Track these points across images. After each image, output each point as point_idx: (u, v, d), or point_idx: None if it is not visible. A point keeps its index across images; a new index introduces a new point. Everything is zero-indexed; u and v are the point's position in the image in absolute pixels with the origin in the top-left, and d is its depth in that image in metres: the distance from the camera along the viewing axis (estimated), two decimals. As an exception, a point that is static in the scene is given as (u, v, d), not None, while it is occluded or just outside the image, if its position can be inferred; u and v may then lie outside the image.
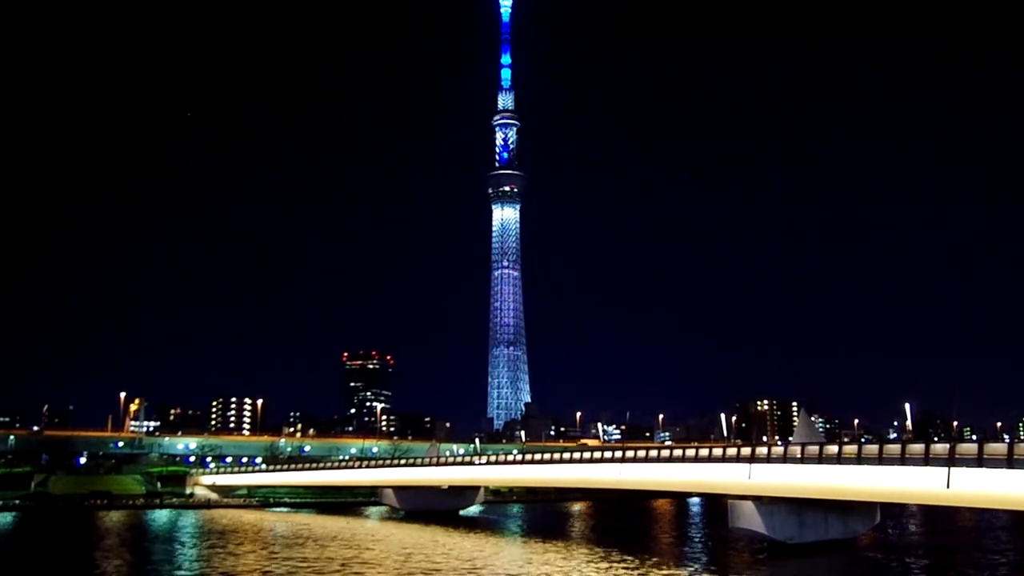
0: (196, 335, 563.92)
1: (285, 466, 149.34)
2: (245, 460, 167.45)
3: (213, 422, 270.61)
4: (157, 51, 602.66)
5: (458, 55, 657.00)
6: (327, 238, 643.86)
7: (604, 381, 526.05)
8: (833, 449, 64.06)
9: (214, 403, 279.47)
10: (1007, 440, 57.74)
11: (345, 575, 57.72)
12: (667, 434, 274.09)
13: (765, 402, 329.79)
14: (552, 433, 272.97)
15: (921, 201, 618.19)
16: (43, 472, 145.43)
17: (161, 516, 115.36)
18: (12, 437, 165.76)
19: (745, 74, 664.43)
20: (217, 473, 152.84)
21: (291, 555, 67.53)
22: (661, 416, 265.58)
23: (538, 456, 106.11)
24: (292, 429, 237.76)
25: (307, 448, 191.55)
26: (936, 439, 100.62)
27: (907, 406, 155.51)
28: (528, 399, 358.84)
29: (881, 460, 58.54)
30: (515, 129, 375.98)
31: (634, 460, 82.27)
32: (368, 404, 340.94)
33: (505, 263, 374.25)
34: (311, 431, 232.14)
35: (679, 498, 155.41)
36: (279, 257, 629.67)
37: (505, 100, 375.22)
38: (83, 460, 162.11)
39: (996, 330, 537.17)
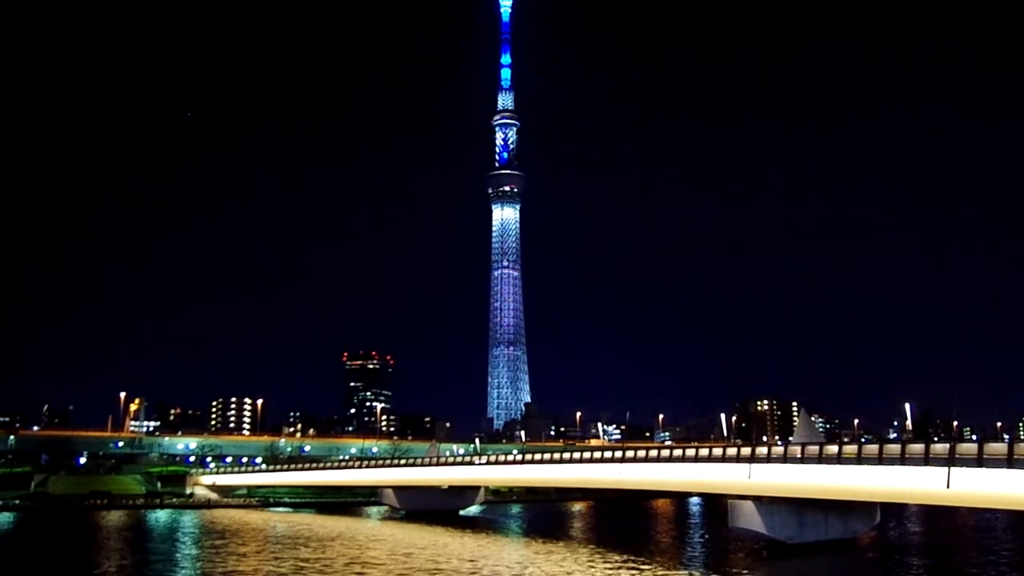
0: (196, 335, 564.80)
1: (285, 466, 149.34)
2: (245, 460, 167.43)
3: (213, 422, 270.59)
4: (157, 51, 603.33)
5: (458, 55, 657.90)
6: (327, 238, 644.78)
7: (604, 381, 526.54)
8: (833, 449, 64.07)
9: (214, 403, 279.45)
10: (1007, 440, 57.73)
11: (348, 575, 57.75)
12: (667, 434, 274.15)
13: (765, 402, 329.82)
14: (552, 433, 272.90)
15: (921, 201, 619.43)
16: (43, 472, 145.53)
17: (161, 516, 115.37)
18: (12, 437, 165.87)
19: (745, 74, 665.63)
20: (217, 473, 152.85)
21: (292, 555, 67.54)
22: (661, 416, 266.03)
23: (538, 456, 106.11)
24: (292, 429, 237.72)
25: (307, 448, 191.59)
26: (936, 439, 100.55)
27: (907, 406, 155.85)
28: (528, 399, 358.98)
29: (881, 460, 58.56)
30: (515, 129, 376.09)
31: (634, 460, 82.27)
32: (368, 404, 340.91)
33: (505, 263, 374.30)
34: (311, 431, 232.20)
35: (679, 498, 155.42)
36: (279, 257, 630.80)
37: (505, 100, 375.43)
38: (83, 460, 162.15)
39: (996, 330, 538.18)
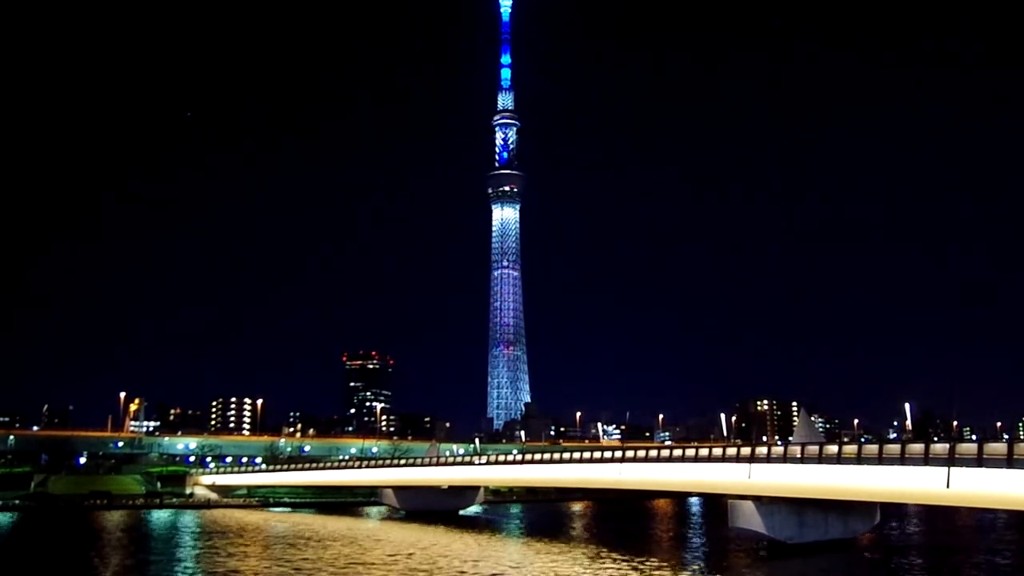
0: (196, 335, 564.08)
1: (285, 466, 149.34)
2: (245, 460, 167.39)
3: (213, 422, 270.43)
4: (157, 51, 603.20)
5: (458, 55, 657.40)
6: (327, 238, 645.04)
7: (604, 381, 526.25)
8: (833, 449, 64.07)
9: (214, 403, 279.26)
10: (1007, 440, 57.78)
11: (349, 575, 57.75)
12: (667, 434, 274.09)
13: (765, 402, 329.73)
14: (552, 433, 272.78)
15: (921, 201, 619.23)
16: (43, 472, 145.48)
17: (161, 516, 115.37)
18: (12, 437, 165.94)
19: (745, 74, 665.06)
20: (217, 473, 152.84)
21: (292, 555, 67.55)
22: (661, 416, 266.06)
23: (538, 456, 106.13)
24: (292, 429, 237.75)
25: (307, 448, 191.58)
26: (936, 439, 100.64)
27: (907, 406, 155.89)
28: (528, 399, 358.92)
29: (881, 460, 58.56)
30: (515, 129, 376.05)
31: (634, 460, 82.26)
32: (368, 404, 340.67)
33: (505, 263, 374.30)
34: (311, 431, 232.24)
35: (679, 498, 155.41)
36: (279, 257, 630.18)
37: (505, 100, 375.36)
38: (83, 460, 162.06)
39: (996, 330, 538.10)
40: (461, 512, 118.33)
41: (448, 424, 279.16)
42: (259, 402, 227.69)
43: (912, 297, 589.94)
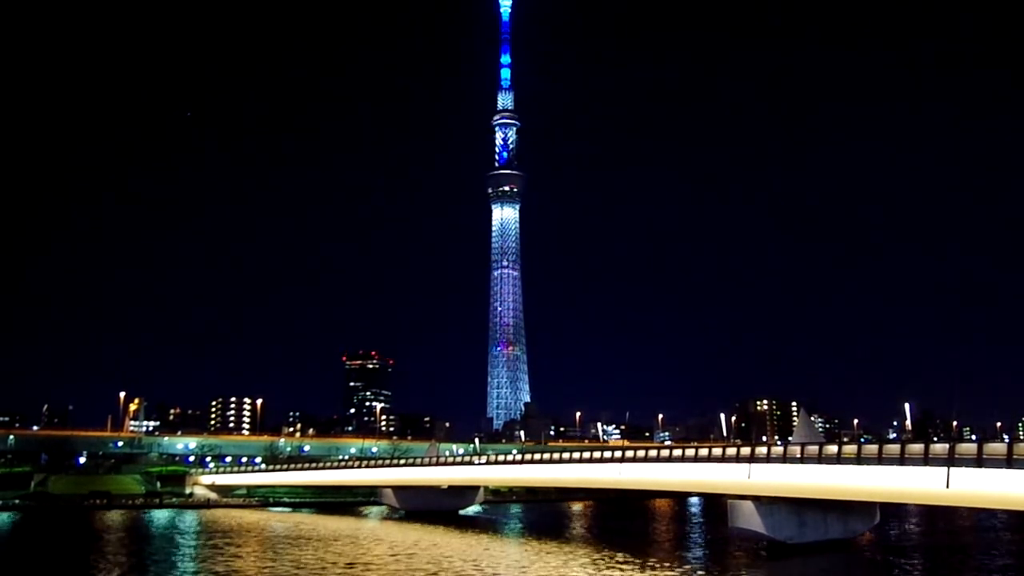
0: (196, 335, 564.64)
1: (285, 466, 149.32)
2: (245, 460, 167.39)
3: (213, 422, 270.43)
4: (157, 51, 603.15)
5: (458, 55, 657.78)
6: (327, 238, 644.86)
7: (604, 381, 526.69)
8: (833, 449, 64.07)
9: (214, 403, 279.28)
10: (1007, 440, 57.80)
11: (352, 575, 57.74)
12: (667, 434, 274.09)
13: (765, 402, 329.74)
14: (552, 433, 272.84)
15: (921, 201, 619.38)
16: (43, 472, 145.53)
17: (161, 516, 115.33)
18: (12, 437, 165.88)
19: (745, 74, 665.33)
20: (217, 473, 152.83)
21: (293, 555, 67.53)
22: (661, 416, 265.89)
23: (537, 456, 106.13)
24: (292, 429, 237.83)
25: (307, 448, 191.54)
26: (936, 439, 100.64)
27: (907, 406, 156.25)
28: (528, 399, 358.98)
29: (881, 460, 58.57)
30: (515, 129, 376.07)
31: (634, 460, 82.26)
32: (368, 404, 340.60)
33: (505, 263, 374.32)
34: (311, 431, 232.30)
35: (679, 498, 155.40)
36: (279, 257, 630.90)
37: (505, 100, 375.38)
38: (83, 460, 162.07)
39: (996, 330, 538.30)
40: (461, 512, 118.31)
41: (448, 424, 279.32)
42: (259, 402, 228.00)
43: (912, 297, 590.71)
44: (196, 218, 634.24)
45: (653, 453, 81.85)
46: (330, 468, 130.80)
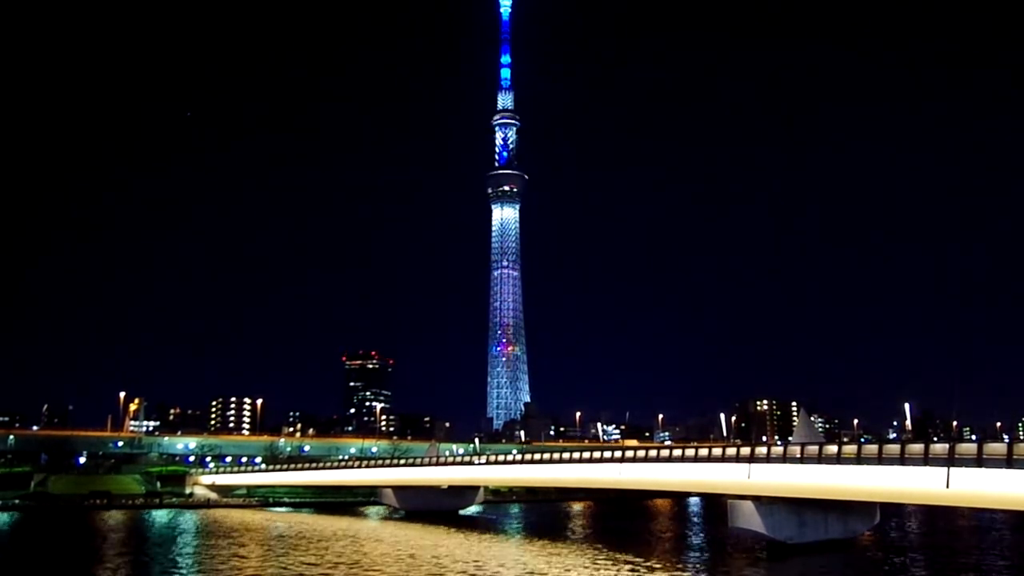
0: (196, 335, 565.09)
1: (285, 466, 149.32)
2: (245, 460, 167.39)
3: (213, 422, 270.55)
4: (157, 51, 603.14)
5: (458, 55, 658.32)
6: (327, 238, 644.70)
7: (604, 381, 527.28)
8: (833, 449, 64.08)
9: (214, 403, 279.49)
10: (1007, 440, 57.81)
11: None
12: (667, 434, 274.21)
13: (765, 402, 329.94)
14: (552, 433, 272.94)
15: (921, 201, 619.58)
16: (43, 472, 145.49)
17: (160, 516, 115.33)
18: (12, 437, 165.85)
19: (745, 74, 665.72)
20: (217, 473, 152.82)
21: (293, 555, 67.52)
22: (661, 416, 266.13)
23: (537, 456, 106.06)
24: (292, 429, 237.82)
25: (307, 448, 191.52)
26: (936, 439, 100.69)
27: (907, 406, 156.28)
28: (528, 399, 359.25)
29: (881, 460, 58.57)
30: (515, 129, 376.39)
31: (634, 460, 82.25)
32: (368, 404, 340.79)
33: (505, 263, 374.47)
34: (311, 431, 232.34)
35: (679, 498, 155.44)
36: (279, 257, 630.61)
37: (505, 100, 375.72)
38: (83, 460, 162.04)
39: (996, 330, 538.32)
40: (461, 512, 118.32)
41: (448, 424, 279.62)
42: (259, 402, 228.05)
43: (912, 297, 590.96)
44: (196, 218, 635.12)
45: (653, 453, 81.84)
46: (330, 468, 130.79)
